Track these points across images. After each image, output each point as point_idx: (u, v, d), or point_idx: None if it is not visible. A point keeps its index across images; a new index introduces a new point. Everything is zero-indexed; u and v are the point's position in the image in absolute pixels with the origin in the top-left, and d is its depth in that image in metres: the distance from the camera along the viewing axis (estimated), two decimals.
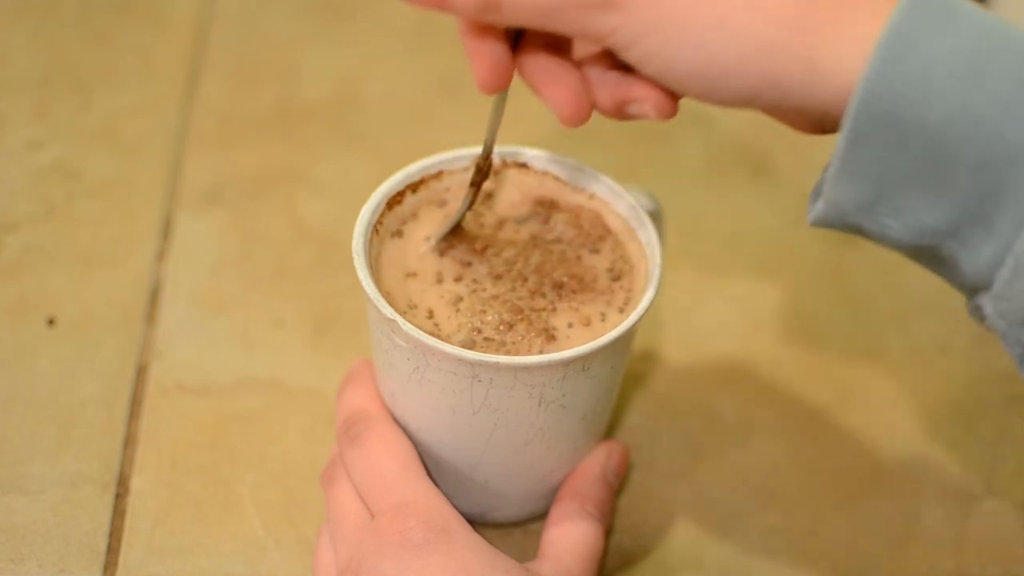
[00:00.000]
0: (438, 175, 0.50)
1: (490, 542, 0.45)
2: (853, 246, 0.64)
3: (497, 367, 0.43)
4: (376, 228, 0.47)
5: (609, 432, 0.55)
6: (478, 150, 0.50)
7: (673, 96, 0.41)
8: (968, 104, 0.35)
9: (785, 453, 0.55)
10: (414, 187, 0.49)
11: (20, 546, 0.50)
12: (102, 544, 0.51)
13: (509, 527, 0.52)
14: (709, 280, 0.63)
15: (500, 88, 0.42)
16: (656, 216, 0.50)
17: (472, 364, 0.43)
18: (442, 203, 0.49)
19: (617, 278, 0.48)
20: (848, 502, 0.54)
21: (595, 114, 0.43)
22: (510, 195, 0.50)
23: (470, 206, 0.47)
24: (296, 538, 0.51)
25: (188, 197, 0.65)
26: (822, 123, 0.39)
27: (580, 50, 0.43)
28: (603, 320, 0.46)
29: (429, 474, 0.47)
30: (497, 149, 0.50)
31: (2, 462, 0.53)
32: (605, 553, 0.50)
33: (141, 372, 0.57)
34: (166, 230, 0.63)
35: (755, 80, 0.38)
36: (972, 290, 0.39)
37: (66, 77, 0.71)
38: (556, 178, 0.50)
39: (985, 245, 0.37)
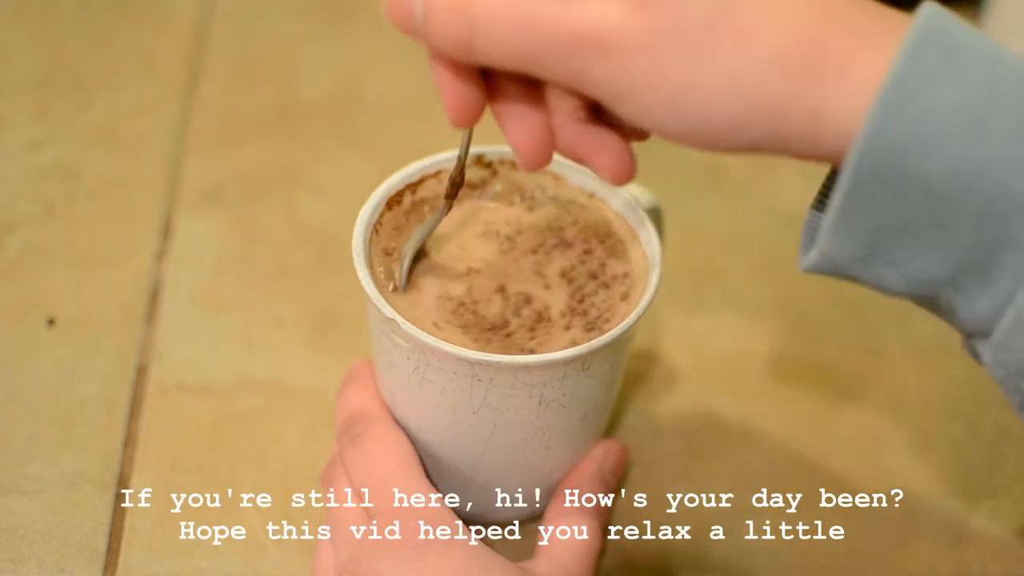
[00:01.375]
0: (437, 175, 0.50)
1: (489, 541, 0.45)
2: None
3: (497, 366, 0.43)
4: (376, 228, 0.47)
5: (609, 431, 0.55)
6: (478, 150, 0.50)
7: (632, 161, 0.40)
8: (970, 156, 0.33)
9: (785, 453, 0.55)
10: (413, 187, 0.49)
11: (20, 546, 0.50)
12: (102, 544, 0.51)
13: (508, 527, 0.52)
14: (709, 280, 0.63)
15: (471, 124, 0.40)
16: (656, 215, 0.50)
17: (472, 364, 0.43)
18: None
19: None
20: (848, 502, 0.54)
21: None
22: (508, 195, 0.50)
23: (436, 224, 0.46)
24: (296, 538, 0.51)
25: (188, 197, 0.65)
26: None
27: (556, 100, 0.39)
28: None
29: (429, 474, 0.47)
30: (498, 148, 0.50)
31: (2, 462, 0.53)
32: (604, 553, 0.50)
33: (141, 372, 0.57)
34: (166, 230, 0.63)
35: (760, 135, 0.36)
36: (968, 335, 0.38)
37: (66, 77, 0.71)
38: (555, 177, 0.50)
39: (984, 295, 0.36)
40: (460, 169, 0.44)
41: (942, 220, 0.34)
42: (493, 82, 0.39)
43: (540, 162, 0.40)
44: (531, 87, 0.39)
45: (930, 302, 0.37)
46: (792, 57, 0.34)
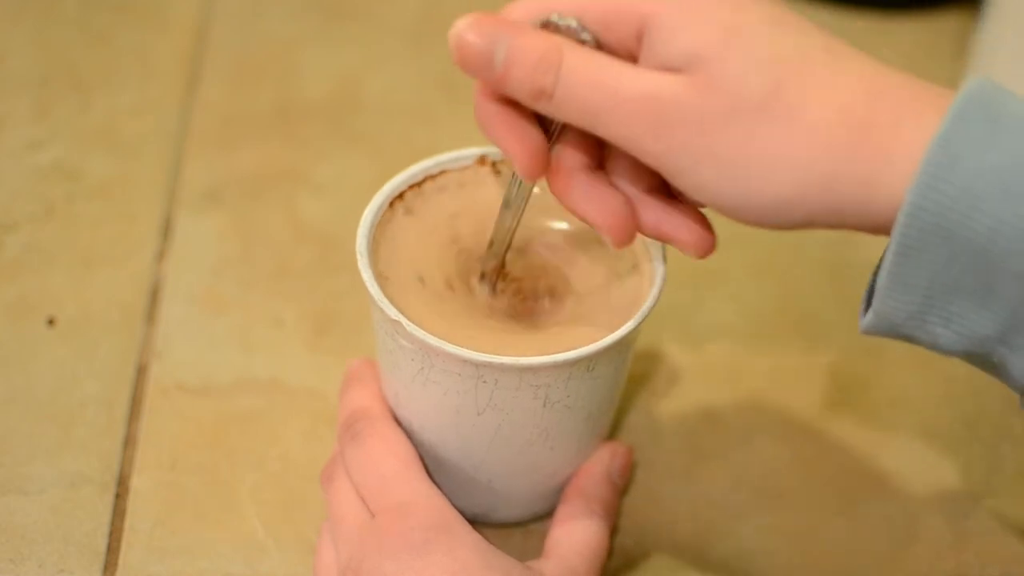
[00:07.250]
0: (441, 175, 0.50)
1: (491, 542, 0.45)
2: (853, 246, 0.64)
3: (502, 368, 0.43)
4: (380, 228, 0.47)
5: (611, 431, 0.55)
6: (481, 150, 0.50)
7: (713, 234, 0.42)
8: (1012, 216, 0.35)
9: (785, 453, 0.56)
10: (417, 187, 0.49)
11: (20, 546, 0.50)
12: (102, 544, 0.51)
13: (510, 527, 0.52)
14: (709, 280, 0.63)
15: (543, 174, 0.41)
16: None
17: (477, 365, 0.43)
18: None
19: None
20: (848, 502, 0.54)
21: None
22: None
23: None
24: (296, 538, 0.51)
25: (188, 197, 0.65)
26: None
27: (629, 180, 0.41)
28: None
29: (431, 474, 0.47)
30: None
31: (2, 462, 0.53)
32: (608, 553, 0.50)
33: (141, 372, 0.57)
34: (166, 230, 0.63)
35: (813, 208, 0.37)
36: (1022, 393, 0.39)
37: (66, 77, 0.71)
38: None
39: None
40: (502, 253, 0.46)
41: (989, 278, 0.36)
42: (565, 173, 0.41)
43: (628, 240, 0.41)
44: (599, 173, 0.41)
45: (984, 360, 0.38)
46: (839, 132, 0.36)
